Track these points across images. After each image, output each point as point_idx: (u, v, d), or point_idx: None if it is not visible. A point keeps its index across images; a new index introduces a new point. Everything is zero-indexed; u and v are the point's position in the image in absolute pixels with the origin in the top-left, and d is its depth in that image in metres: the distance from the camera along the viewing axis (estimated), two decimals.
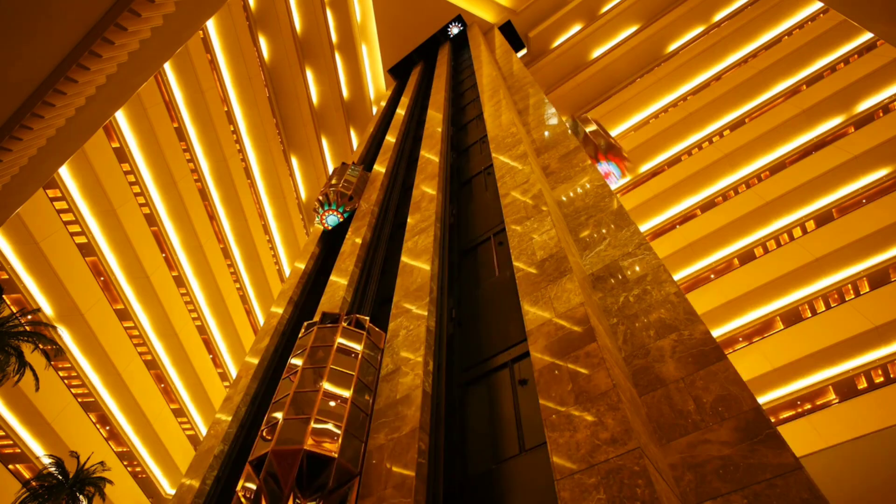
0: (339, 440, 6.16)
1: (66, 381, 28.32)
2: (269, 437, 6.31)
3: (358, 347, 7.79)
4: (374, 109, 37.62)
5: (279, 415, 6.60)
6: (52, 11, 9.50)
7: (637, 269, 6.76)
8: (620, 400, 4.57)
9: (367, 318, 8.49)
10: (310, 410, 6.42)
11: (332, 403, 6.69)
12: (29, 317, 22.11)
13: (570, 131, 11.57)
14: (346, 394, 6.85)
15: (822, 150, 22.84)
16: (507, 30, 33.98)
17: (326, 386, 6.83)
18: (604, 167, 12.82)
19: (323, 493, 5.85)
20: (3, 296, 21.81)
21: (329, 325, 8.12)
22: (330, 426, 6.30)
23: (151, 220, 30.78)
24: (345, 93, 38.20)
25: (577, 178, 9.81)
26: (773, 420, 15.87)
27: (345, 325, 8.07)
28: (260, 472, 5.93)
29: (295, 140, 40.22)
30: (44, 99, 10.70)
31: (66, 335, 27.55)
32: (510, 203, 9.29)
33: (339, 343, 7.66)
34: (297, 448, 5.90)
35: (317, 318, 8.66)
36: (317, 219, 15.99)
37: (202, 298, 35.21)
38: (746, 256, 23.60)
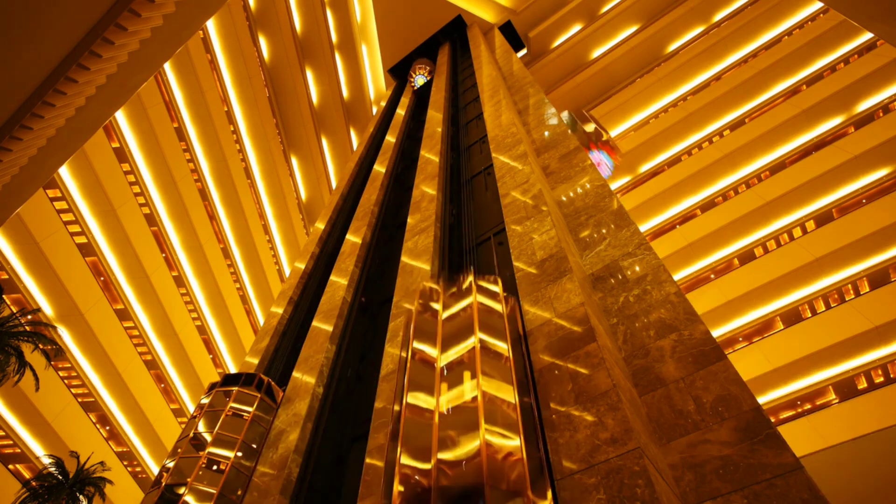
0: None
1: (66, 381, 28.33)
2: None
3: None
4: (374, 109, 37.61)
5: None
6: (52, 11, 9.50)
7: (637, 269, 6.76)
8: (620, 400, 4.57)
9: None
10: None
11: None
12: (29, 317, 22.11)
13: (567, 126, 11.52)
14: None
15: (822, 150, 22.84)
16: (508, 30, 33.97)
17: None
18: (595, 156, 13.12)
19: None
20: (3, 296, 21.80)
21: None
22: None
23: (151, 220, 30.79)
24: (345, 93, 38.20)
25: (577, 178, 9.81)
26: (773, 420, 15.87)
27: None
28: None
29: (295, 140, 40.22)
30: (44, 99, 10.69)
31: (66, 335, 27.55)
32: (510, 203, 9.29)
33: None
34: None
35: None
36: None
37: (202, 298, 35.21)
38: (746, 256, 23.60)
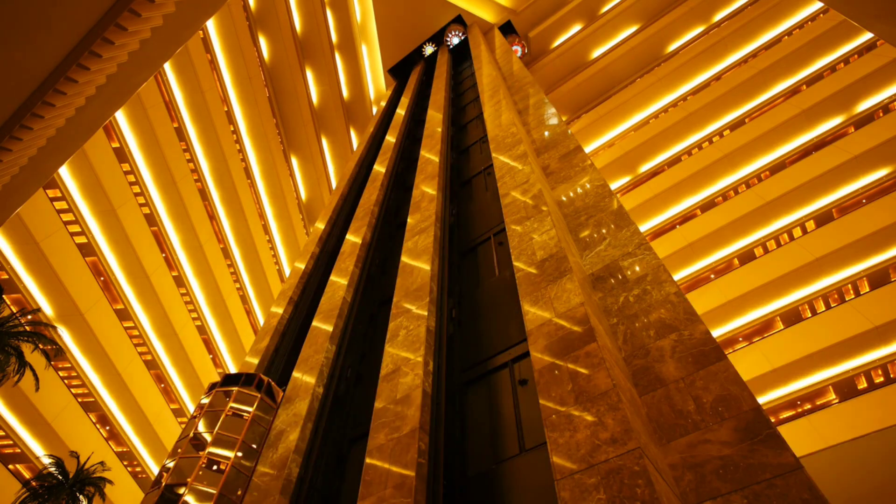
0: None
1: (66, 381, 28.32)
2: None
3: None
4: (374, 109, 37.61)
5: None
6: (52, 12, 9.50)
7: (637, 269, 6.76)
8: (620, 400, 4.57)
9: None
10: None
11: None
12: (29, 317, 22.11)
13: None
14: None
15: (822, 150, 22.82)
16: (508, 30, 34.00)
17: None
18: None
19: None
20: (3, 296, 21.79)
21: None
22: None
23: (151, 220, 30.78)
24: (345, 93, 38.20)
25: (577, 178, 9.81)
26: (773, 420, 15.88)
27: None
28: None
29: (295, 140, 40.21)
30: (44, 99, 10.69)
31: (66, 335, 27.55)
32: (510, 203, 9.29)
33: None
34: None
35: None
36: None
37: (202, 298, 35.20)
38: (746, 256, 23.59)
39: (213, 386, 9.52)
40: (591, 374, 5.00)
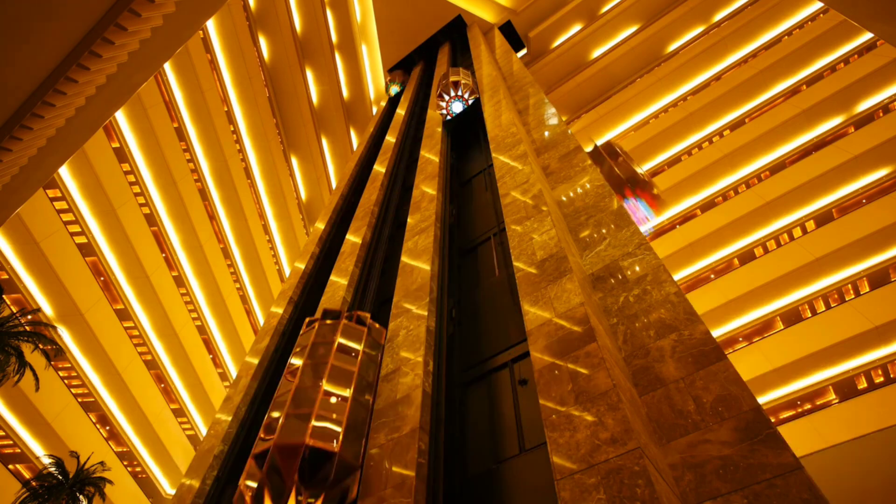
0: (341, 436, 6.18)
1: (66, 381, 28.33)
2: (268, 437, 6.28)
3: (359, 346, 7.73)
4: (374, 109, 37.61)
5: (277, 414, 6.56)
6: (51, 11, 9.50)
7: (637, 269, 6.76)
8: (620, 400, 4.57)
9: (369, 314, 8.47)
10: (311, 408, 6.43)
11: (333, 401, 6.66)
12: (29, 317, 22.13)
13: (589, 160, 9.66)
14: (347, 392, 6.81)
15: (822, 150, 22.84)
16: (507, 30, 33.97)
17: (326, 385, 6.78)
18: (630, 204, 7.37)
19: (325, 486, 5.87)
20: (3, 296, 21.80)
21: (329, 321, 8.08)
22: (330, 424, 6.30)
23: (151, 220, 30.80)
24: (345, 93, 38.20)
25: (577, 178, 9.81)
26: (773, 420, 15.88)
27: (346, 321, 8.01)
28: (263, 467, 5.97)
29: (295, 140, 40.23)
30: (44, 99, 10.69)
31: (66, 335, 27.56)
32: (510, 203, 9.29)
33: (339, 341, 7.62)
34: (298, 443, 5.93)
35: (318, 314, 8.61)
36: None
37: (202, 298, 35.22)
38: (746, 256, 23.60)
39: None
40: (591, 374, 5.00)
